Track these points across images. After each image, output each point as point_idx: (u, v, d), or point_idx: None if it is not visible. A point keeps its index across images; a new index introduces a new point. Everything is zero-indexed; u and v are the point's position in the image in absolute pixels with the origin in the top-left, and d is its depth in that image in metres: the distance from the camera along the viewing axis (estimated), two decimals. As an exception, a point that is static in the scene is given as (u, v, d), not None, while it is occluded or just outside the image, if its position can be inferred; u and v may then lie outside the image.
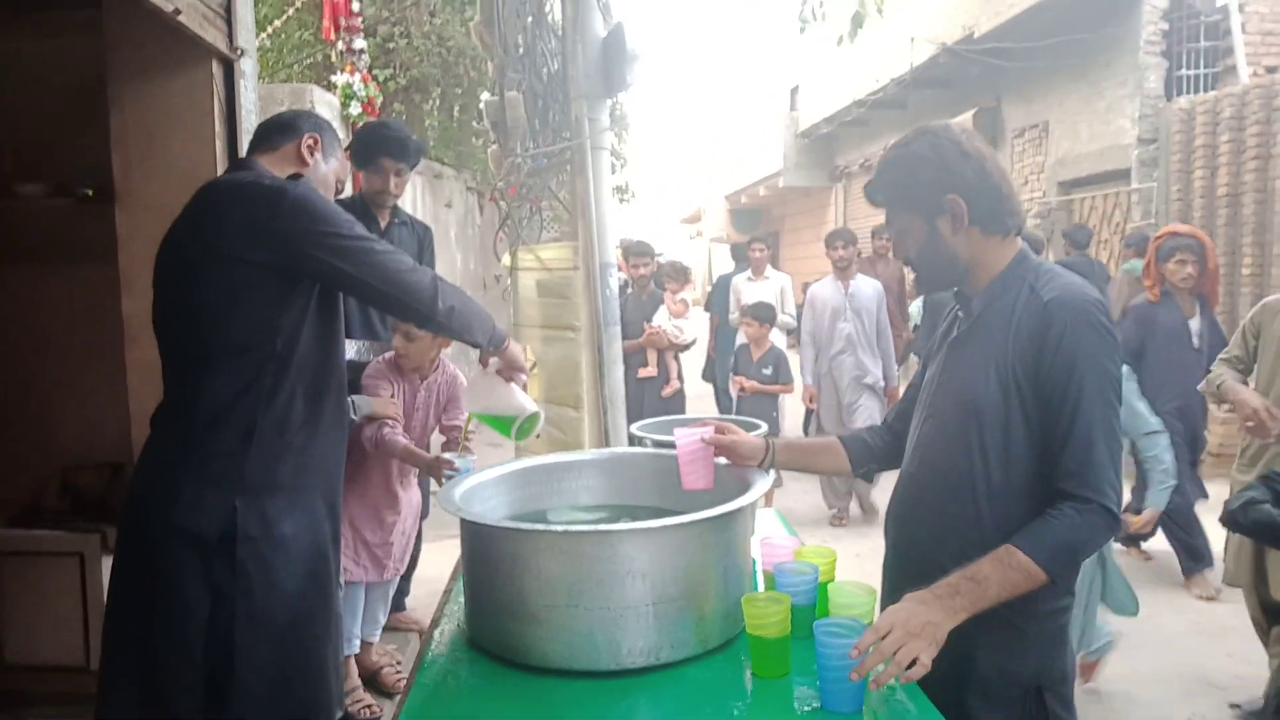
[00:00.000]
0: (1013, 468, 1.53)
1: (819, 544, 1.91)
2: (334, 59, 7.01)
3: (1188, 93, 8.40)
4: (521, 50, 4.34)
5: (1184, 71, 8.49)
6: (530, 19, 4.21)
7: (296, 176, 1.92)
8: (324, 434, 1.90)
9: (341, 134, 6.66)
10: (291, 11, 7.56)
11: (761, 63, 20.36)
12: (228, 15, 3.04)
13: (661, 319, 5.65)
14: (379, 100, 6.89)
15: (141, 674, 1.77)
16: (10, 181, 3.22)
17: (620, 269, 6.52)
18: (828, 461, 1.97)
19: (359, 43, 6.80)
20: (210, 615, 1.74)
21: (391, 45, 8.34)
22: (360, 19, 6.96)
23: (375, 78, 8.00)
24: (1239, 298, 7.45)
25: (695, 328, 5.88)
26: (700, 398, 7.71)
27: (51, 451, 3.23)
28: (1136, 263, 6.40)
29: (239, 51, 3.07)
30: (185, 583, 1.74)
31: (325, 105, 6.60)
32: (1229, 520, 2.36)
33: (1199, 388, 3.45)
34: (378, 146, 3.38)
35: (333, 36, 6.82)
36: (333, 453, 1.95)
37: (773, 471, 1.92)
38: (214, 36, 2.92)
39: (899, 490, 1.75)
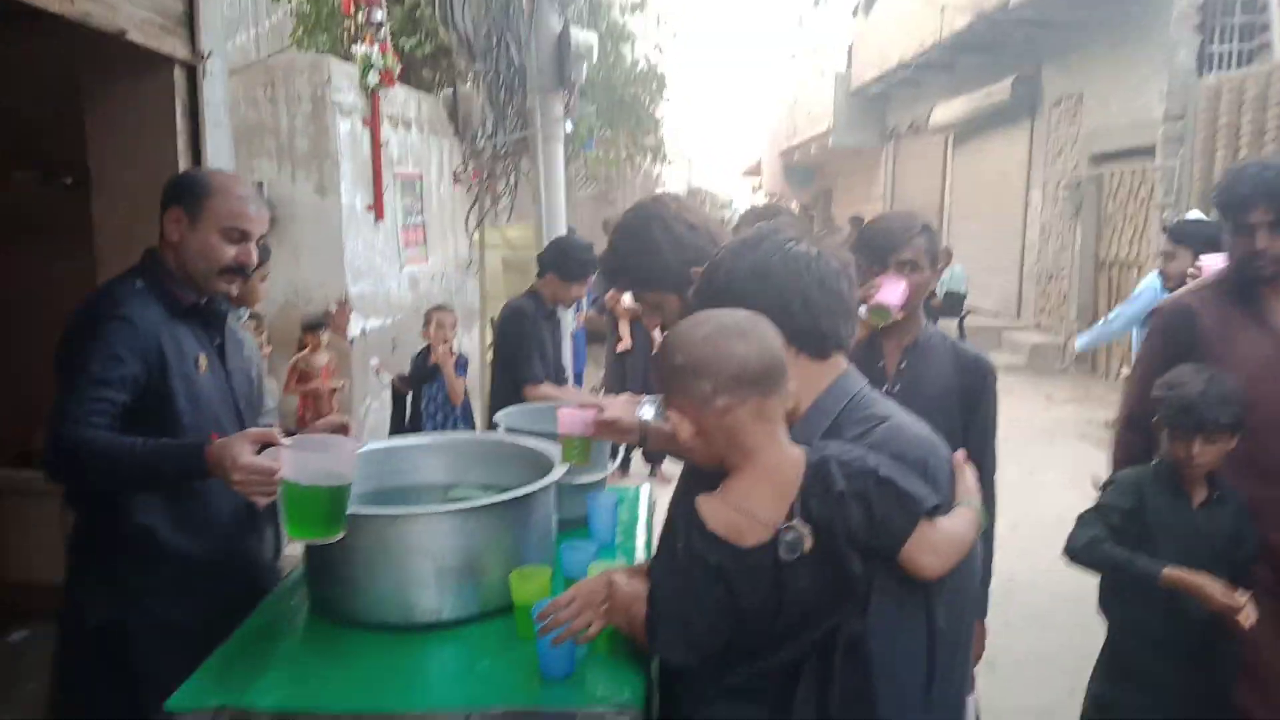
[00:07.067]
0: None
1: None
2: (354, 30, 7.30)
3: (1223, 68, 8.17)
4: (496, 41, 4.61)
5: (1217, 47, 8.25)
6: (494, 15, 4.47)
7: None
8: None
9: (361, 102, 7.00)
10: (320, -22, 7.87)
11: (822, 17, 20.02)
12: (190, 23, 3.37)
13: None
14: (396, 70, 7.19)
15: None
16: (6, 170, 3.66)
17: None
18: None
19: (378, 14, 7.07)
20: None
21: (418, 14, 8.60)
22: (381, -11, 7.23)
23: (400, 46, 8.28)
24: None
25: None
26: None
27: (42, 404, 3.71)
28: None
29: (201, 55, 3.40)
30: None
31: (344, 75, 6.93)
32: (1074, 557, 2.39)
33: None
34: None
35: (352, 9, 7.08)
36: None
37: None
38: (173, 46, 3.25)
39: None
